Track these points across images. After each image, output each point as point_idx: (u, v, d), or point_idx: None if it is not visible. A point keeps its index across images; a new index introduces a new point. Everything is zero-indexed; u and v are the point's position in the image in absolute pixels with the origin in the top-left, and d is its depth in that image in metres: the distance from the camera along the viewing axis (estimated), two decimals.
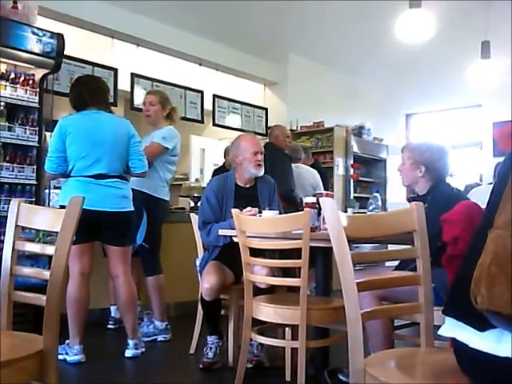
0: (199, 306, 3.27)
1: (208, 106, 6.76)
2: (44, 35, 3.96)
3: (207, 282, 2.97)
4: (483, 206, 1.80)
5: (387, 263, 2.89)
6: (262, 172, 3.31)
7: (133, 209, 3.39)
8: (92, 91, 3.36)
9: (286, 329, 2.81)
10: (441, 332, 1.32)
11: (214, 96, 6.84)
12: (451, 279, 1.80)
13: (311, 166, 6.41)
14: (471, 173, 8.10)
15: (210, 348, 3.13)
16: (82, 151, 3.22)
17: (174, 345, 3.75)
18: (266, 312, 2.57)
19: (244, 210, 2.98)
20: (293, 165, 5.50)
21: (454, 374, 1.30)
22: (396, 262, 2.61)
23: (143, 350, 3.40)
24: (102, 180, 3.24)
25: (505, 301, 1.06)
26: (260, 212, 3.04)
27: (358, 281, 1.60)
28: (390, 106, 8.79)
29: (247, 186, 3.35)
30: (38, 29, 3.97)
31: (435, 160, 2.72)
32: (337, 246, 1.63)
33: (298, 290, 2.46)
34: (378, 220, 1.89)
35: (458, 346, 1.26)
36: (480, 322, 1.15)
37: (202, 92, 6.64)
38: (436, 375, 1.41)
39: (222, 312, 3.22)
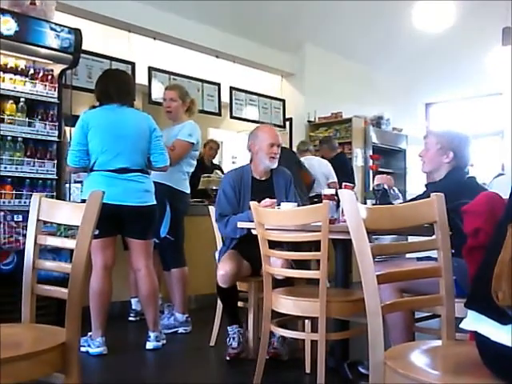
0: (219, 300, 3.29)
1: (225, 98, 6.74)
2: (62, 30, 3.98)
3: (222, 269, 3.00)
4: (505, 196, 1.78)
5: (408, 254, 2.87)
6: (275, 165, 3.31)
7: (155, 202, 3.41)
8: (118, 86, 3.38)
9: (306, 321, 2.80)
10: (463, 325, 1.30)
11: (231, 88, 6.82)
12: (472, 271, 1.78)
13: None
14: (492, 162, 7.98)
15: (233, 338, 3.15)
16: (103, 145, 3.25)
17: (195, 337, 3.78)
18: (286, 304, 2.56)
19: (261, 202, 2.98)
20: (302, 157, 5.50)
21: (476, 367, 1.29)
22: (418, 254, 2.61)
23: (164, 342, 3.44)
24: (124, 174, 3.27)
25: None
26: (278, 204, 3.04)
27: (377, 273, 1.59)
28: (408, 95, 8.68)
29: (263, 178, 3.35)
30: (56, 24, 3.99)
31: (463, 147, 2.74)
32: (356, 239, 1.62)
33: (318, 283, 2.46)
34: (397, 211, 1.87)
35: (480, 340, 1.25)
36: (502, 316, 1.14)
37: (219, 84, 6.62)
38: (457, 369, 1.39)
39: (241, 304, 3.24)
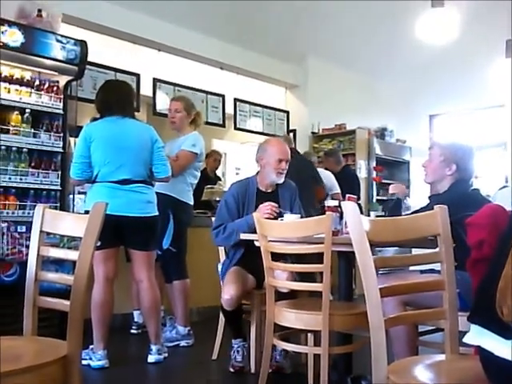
0: (221, 314, 3.27)
1: (229, 109, 6.77)
2: (68, 42, 4.02)
3: (227, 293, 2.95)
4: (509, 208, 1.77)
5: (411, 267, 2.86)
6: (282, 180, 3.30)
7: (157, 213, 3.41)
8: (118, 98, 3.39)
9: (309, 334, 2.79)
10: (466, 340, 1.29)
11: (236, 100, 6.85)
12: (476, 284, 1.76)
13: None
14: (496, 174, 7.96)
15: (238, 351, 3.14)
16: (106, 157, 3.26)
17: (197, 350, 3.75)
18: (288, 317, 2.55)
19: (261, 205, 3.00)
20: None
21: (480, 382, 1.27)
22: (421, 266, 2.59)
23: (166, 355, 3.42)
24: (127, 185, 3.27)
25: None
26: (280, 214, 3.04)
27: (381, 286, 1.58)
28: (412, 107, 8.69)
29: (269, 190, 3.34)
30: (62, 36, 4.03)
31: (467, 160, 2.74)
32: (359, 251, 1.62)
33: (321, 295, 2.44)
34: (401, 224, 1.86)
35: (483, 355, 1.23)
36: (506, 330, 1.12)
37: (223, 96, 6.65)
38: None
39: (244, 316, 3.22)
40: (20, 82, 3.93)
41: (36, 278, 1.88)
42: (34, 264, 1.88)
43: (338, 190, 5.70)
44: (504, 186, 5.70)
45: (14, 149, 3.77)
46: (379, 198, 7.68)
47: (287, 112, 7.52)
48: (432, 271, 2.37)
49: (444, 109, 9.03)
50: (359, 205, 6.24)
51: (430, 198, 2.80)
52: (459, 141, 2.91)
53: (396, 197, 3.02)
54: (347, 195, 3.02)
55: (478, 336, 1.24)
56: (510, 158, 7.67)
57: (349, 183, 6.19)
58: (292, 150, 5.54)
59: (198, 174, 4.10)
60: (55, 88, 4.07)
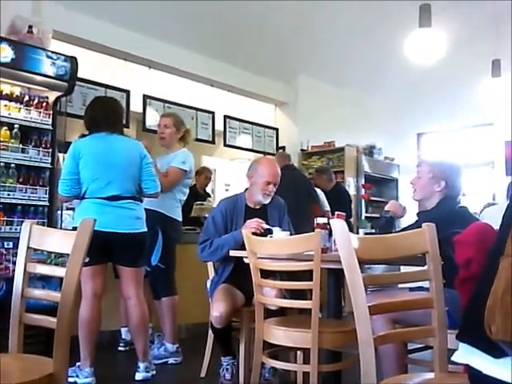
0: (210, 330, 3.25)
1: (219, 126, 6.79)
2: (58, 58, 4.02)
3: (216, 310, 2.93)
4: (496, 226, 1.79)
5: (400, 284, 2.86)
6: (267, 201, 3.31)
7: (146, 230, 3.40)
8: (107, 115, 3.39)
9: (298, 352, 2.77)
10: (454, 358, 1.29)
11: (225, 117, 6.87)
12: (464, 302, 1.77)
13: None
14: (484, 192, 8.03)
15: (227, 369, 3.11)
16: (95, 173, 3.25)
17: (185, 368, 3.72)
18: (277, 335, 2.54)
19: (248, 221, 3.00)
20: None
21: None
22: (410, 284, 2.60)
23: (154, 372, 3.38)
24: (116, 201, 3.26)
25: None
26: (270, 231, 3.04)
27: (369, 304, 1.58)
28: (400, 125, 8.78)
29: (257, 207, 3.35)
30: (52, 52, 4.03)
31: (455, 177, 2.78)
32: (348, 269, 1.62)
33: (310, 313, 2.43)
34: (389, 241, 1.87)
35: (472, 373, 1.23)
36: (495, 349, 1.12)
37: (213, 113, 6.68)
38: None
39: (233, 334, 3.20)
40: (9, 97, 3.92)
41: (22, 295, 1.86)
42: (20, 280, 1.86)
43: (328, 208, 5.72)
44: (490, 204, 5.75)
45: (1, 164, 3.75)
46: (368, 215, 7.71)
47: (277, 129, 7.56)
48: (421, 289, 2.38)
49: (432, 127, 9.13)
50: (350, 222, 6.28)
51: (418, 214, 2.82)
52: (447, 158, 2.95)
53: (389, 215, 3.01)
54: (336, 212, 3.02)
55: (467, 354, 1.24)
56: (501, 177, 7.74)
57: (341, 201, 6.21)
58: (289, 166, 5.61)
59: (187, 191, 4.11)
60: (45, 104, 4.07)
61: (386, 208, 3.05)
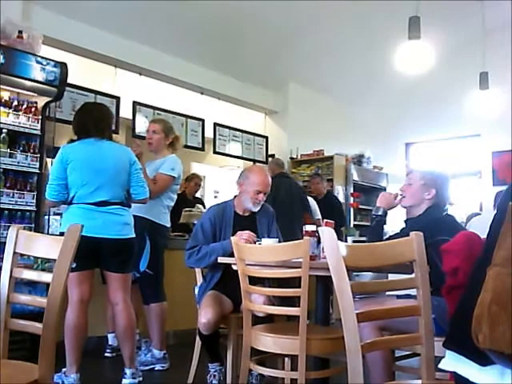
0: (198, 337, 3.24)
1: (209, 133, 6.80)
2: (48, 64, 4.01)
3: (204, 317, 2.93)
4: (483, 235, 1.81)
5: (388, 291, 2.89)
6: (257, 209, 3.32)
7: (134, 236, 3.38)
8: (96, 121, 3.37)
9: (286, 359, 2.77)
10: (441, 365, 1.30)
11: (215, 124, 6.89)
12: (451, 310, 1.78)
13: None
14: (471, 202, 8.10)
15: (214, 375, 3.10)
16: (83, 179, 3.23)
17: (172, 374, 3.70)
18: (265, 342, 2.53)
19: (240, 232, 2.99)
20: None
21: None
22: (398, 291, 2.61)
23: (140, 379, 3.35)
24: (104, 207, 3.24)
25: (507, 341, 1.04)
26: (259, 240, 3.04)
27: (357, 311, 1.58)
28: (389, 134, 8.85)
29: (246, 214, 3.35)
30: (42, 58, 4.03)
31: (445, 186, 2.83)
32: (336, 276, 1.63)
33: (298, 320, 2.43)
34: (377, 249, 1.88)
35: (459, 381, 1.24)
36: (482, 357, 1.13)
37: (203, 120, 6.69)
38: None
39: (221, 340, 3.19)
40: None
41: (8, 300, 1.83)
42: (6, 286, 1.84)
43: (319, 216, 5.75)
44: (475, 214, 5.80)
45: None
46: (356, 223, 7.75)
47: (266, 137, 7.59)
48: (408, 296, 2.39)
49: (420, 137, 9.20)
50: (340, 231, 6.29)
51: (405, 221, 2.84)
52: (436, 168, 2.99)
53: (381, 212, 2.95)
54: (325, 220, 3.03)
55: (454, 362, 1.24)
56: (487, 187, 7.82)
57: (334, 208, 6.25)
58: (283, 174, 5.65)
59: (175, 197, 4.10)
60: (33, 109, 4.05)
61: (378, 204, 2.97)
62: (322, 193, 6.37)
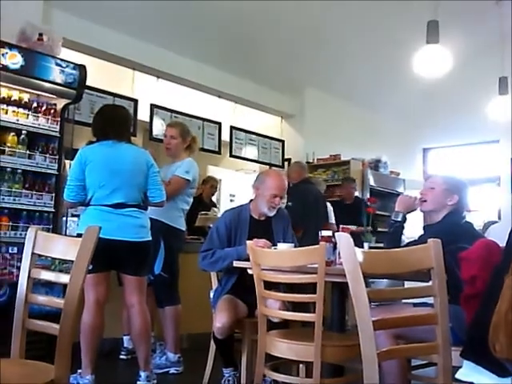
0: (212, 341, 3.23)
1: (225, 137, 6.82)
2: (67, 66, 4.06)
3: (219, 321, 2.92)
4: (502, 243, 1.78)
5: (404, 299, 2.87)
6: (273, 213, 3.30)
7: (150, 238, 3.39)
8: (115, 123, 3.39)
9: (300, 365, 2.75)
10: (458, 376, 1.28)
11: (232, 128, 6.90)
12: (469, 319, 1.76)
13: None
14: (489, 209, 8.00)
15: (228, 380, 3.09)
16: (101, 180, 3.25)
17: (186, 378, 3.69)
18: (280, 347, 2.52)
19: (254, 240, 2.98)
20: None
21: None
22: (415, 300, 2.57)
23: (155, 382, 3.36)
24: (121, 209, 3.26)
25: None
26: (274, 245, 3.03)
27: (374, 319, 1.57)
28: (407, 140, 8.78)
29: (262, 218, 3.34)
30: (62, 60, 4.07)
31: (466, 193, 2.80)
32: (352, 282, 1.62)
33: (313, 326, 2.42)
34: (394, 256, 1.86)
35: None
36: (500, 368, 1.11)
37: (219, 124, 6.71)
38: None
39: (235, 344, 3.18)
40: (18, 103, 3.95)
41: (26, 300, 1.86)
42: (24, 286, 1.86)
43: (333, 221, 5.75)
44: (493, 222, 5.73)
45: (8, 169, 3.77)
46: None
47: (283, 141, 7.58)
48: (425, 304, 2.36)
49: (438, 143, 9.14)
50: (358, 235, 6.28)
51: (424, 228, 2.81)
52: (456, 175, 2.98)
53: (401, 217, 2.91)
54: (341, 226, 3.01)
55: (471, 372, 1.23)
56: (507, 194, 7.72)
57: (362, 213, 6.24)
58: (309, 179, 5.68)
59: (191, 200, 4.09)
60: (53, 111, 4.09)
61: (396, 209, 2.92)
62: (352, 198, 6.38)
